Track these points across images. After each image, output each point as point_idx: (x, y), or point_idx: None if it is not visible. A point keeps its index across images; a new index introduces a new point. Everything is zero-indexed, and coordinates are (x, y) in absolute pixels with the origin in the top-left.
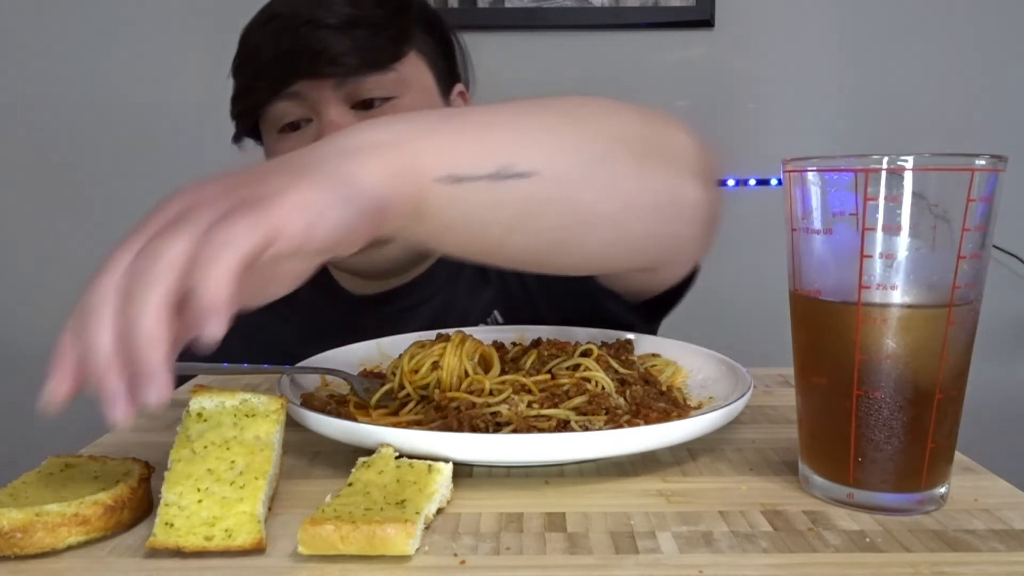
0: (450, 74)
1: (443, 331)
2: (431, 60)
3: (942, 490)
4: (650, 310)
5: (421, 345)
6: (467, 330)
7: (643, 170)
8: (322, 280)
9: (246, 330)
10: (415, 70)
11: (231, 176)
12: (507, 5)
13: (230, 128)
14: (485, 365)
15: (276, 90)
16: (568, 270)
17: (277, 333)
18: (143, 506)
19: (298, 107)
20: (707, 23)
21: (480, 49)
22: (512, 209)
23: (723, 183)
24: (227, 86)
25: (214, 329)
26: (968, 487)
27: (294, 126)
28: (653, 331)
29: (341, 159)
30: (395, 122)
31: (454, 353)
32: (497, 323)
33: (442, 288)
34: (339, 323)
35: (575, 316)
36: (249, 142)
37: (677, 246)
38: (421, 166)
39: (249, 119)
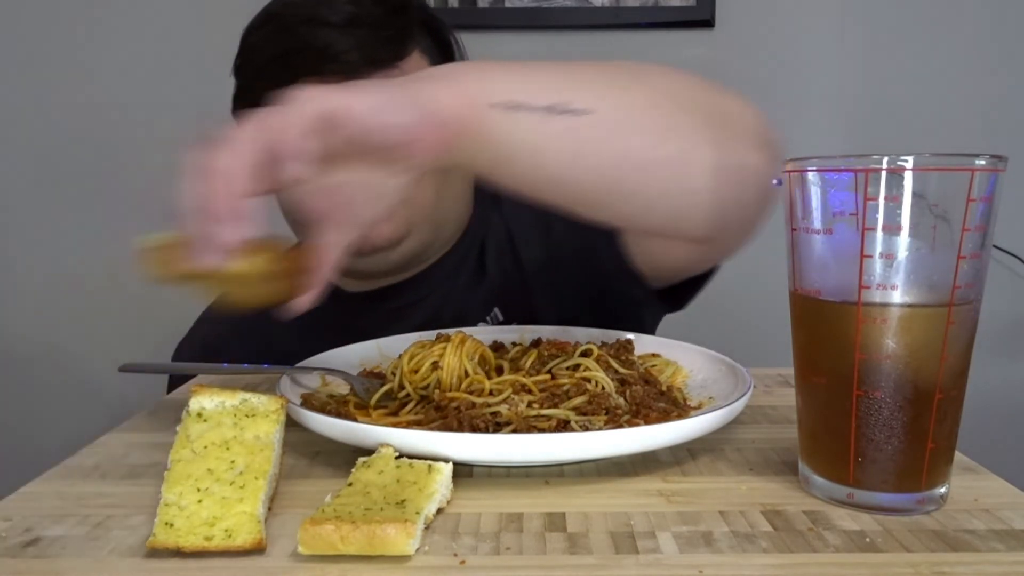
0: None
1: (443, 331)
2: (432, 60)
3: (942, 490)
4: (671, 298)
5: (421, 345)
6: (467, 330)
7: (701, 126)
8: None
9: (243, 331)
10: (417, 69)
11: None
12: (507, 5)
13: (227, 130)
14: (485, 366)
15: (278, 89)
16: (626, 220)
17: (273, 333)
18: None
19: None
20: (707, 23)
21: (480, 49)
22: (567, 144)
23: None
24: (224, 86)
25: (294, 171)
26: (968, 487)
27: None
28: (654, 327)
29: (409, 82)
30: (458, 65)
31: (454, 353)
32: (497, 320)
33: (439, 285)
34: (334, 321)
35: (577, 312)
36: None
37: (738, 213)
38: (480, 92)
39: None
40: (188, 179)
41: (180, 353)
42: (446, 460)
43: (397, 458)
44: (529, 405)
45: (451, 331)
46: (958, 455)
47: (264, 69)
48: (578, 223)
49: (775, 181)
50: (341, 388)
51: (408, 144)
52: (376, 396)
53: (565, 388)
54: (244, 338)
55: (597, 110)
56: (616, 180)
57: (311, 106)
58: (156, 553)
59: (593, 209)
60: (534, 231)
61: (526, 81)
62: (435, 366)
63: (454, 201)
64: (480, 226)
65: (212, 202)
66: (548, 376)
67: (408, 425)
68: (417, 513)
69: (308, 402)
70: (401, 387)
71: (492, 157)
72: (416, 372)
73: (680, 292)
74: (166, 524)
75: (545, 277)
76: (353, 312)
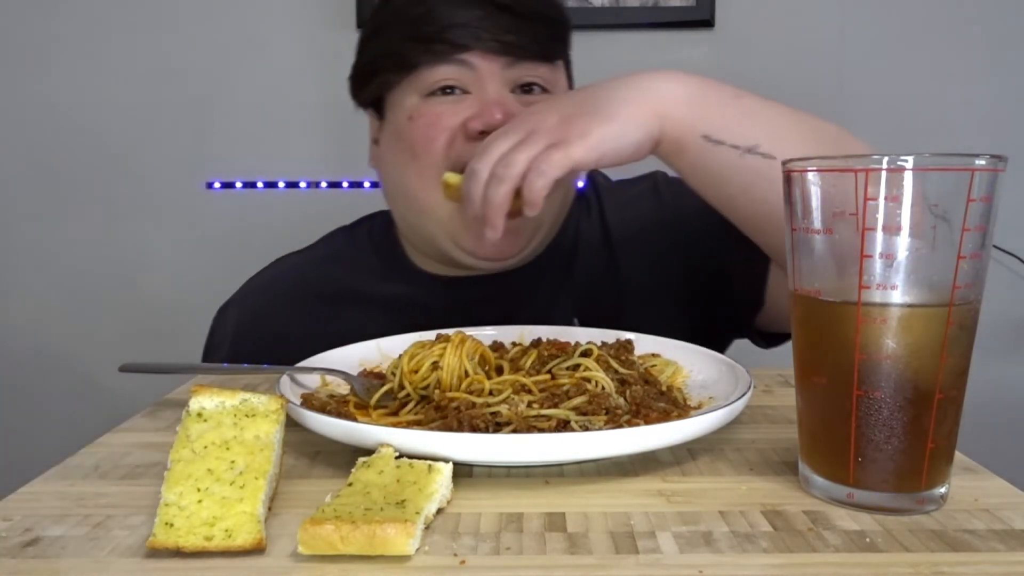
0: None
1: (443, 331)
2: (568, 71)
3: (942, 490)
4: (771, 336)
5: (421, 345)
6: (467, 330)
7: None
8: (389, 255)
9: (296, 302)
10: (562, 75)
11: (553, 111)
12: None
13: (228, 129)
14: (485, 366)
15: (450, 53)
16: (776, 251)
17: (332, 306)
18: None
19: (459, 73)
20: (707, 23)
21: None
22: (746, 176)
23: None
24: (223, 86)
25: (532, 211)
26: (968, 487)
27: (451, 90)
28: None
29: (622, 105)
30: (682, 83)
31: (454, 353)
32: None
33: (518, 288)
34: (411, 298)
35: (669, 328)
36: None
37: None
38: (699, 122)
39: (395, 77)
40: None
41: (224, 318)
42: (446, 460)
43: (397, 458)
44: (529, 405)
45: (451, 331)
46: (958, 455)
47: (443, 32)
48: (719, 246)
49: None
50: (341, 388)
51: (623, 159)
52: (376, 396)
53: (565, 388)
54: (296, 311)
55: (777, 156)
56: (774, 214)
57: (549, 174)
58: (156, 553)
59: (753, 231)
60: (644, 244)
61: (739, 121)
62: (435, 366)
63: (553, 205)
64: (571, 233)
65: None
66: (548, 376)
67: (408, 425)
68: (417, 513)
69: (308, 402)
70: (401, 387)
71: (686, 168)
72: (416, 372)
73: (782, 335)
74: (166, 524)
75: (645, 292)
76: (430, 293)
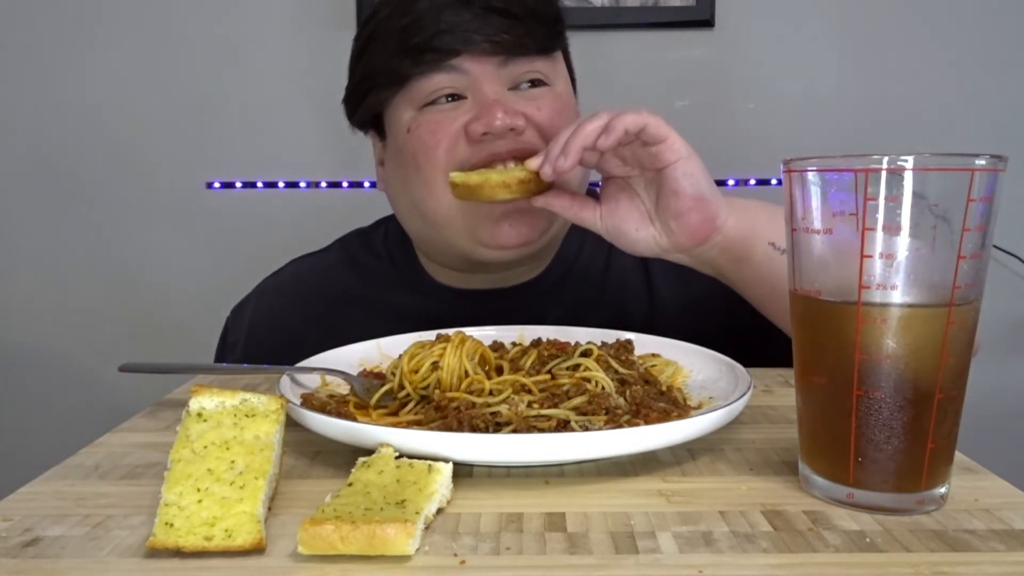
0: (572, 81)
1: (443, 331)
2: (567, 62)
3: (942, 490)
4: None
5: (421, 345)
6: (467, 330)
7: None
8: (404, 264)
9: (307, 304)
10: (561, 67)
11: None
12: None
13: (228, 129)
14: (485, 366)
15: (439, 61)
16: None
17: (343, 311)
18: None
19: (454, 81)
20: (707, 23)
21: None
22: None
23: None
24: (223, 86)
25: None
26: (968, 487)
27: (449, 97)
28: None
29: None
30: (753, 202)
31: (454, 353)
32: None
33: (536, 303)
34: (421, 307)
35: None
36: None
37: None
38: (767, 230)
39: (388, 93)
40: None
41: (239, 318)
42: (446, 460)
43: (397, 458)
44: (529, 405)
45: (450, 331)
46: (958, 455)
47: (428, 41)
48: None
49: (776, 181)
50: (341, 388)
51: (693, 216)
52: (376, 396)
53: (565, 388)
54: (312, 313)
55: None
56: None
57: (646, 118)
58: (156, 553)
59: (773, 319)
60: (683, 269)
61: (779, 222)
62: (435, 366)
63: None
64: (568, 253)
65: (568, 142)
66: (548, 376)
67: (408, 425)
68: (417, 513)
69: (308, 402)
70: (401, 387)
71: (738, 266)
72: (416, 372)
73: None
74: (166, 524)
75: (681, 317)
76: (445, 304)
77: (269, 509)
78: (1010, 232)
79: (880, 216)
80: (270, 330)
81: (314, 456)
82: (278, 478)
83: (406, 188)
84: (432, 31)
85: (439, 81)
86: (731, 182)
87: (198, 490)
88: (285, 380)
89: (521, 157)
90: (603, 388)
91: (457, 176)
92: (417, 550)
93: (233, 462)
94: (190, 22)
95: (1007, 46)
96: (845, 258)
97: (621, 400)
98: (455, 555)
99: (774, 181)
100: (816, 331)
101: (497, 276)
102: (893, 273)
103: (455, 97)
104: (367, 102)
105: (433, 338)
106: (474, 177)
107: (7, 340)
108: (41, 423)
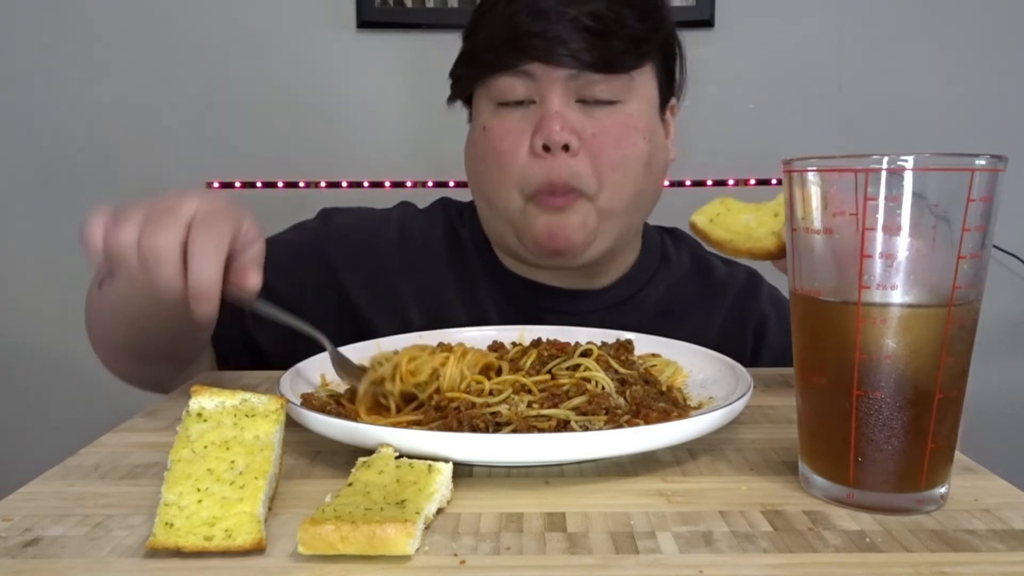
0: (669, 86)
1: (444, 341)
2: (658, 73)
3: (942, 490)
4: None
5: (421, 348)
6: (467, 330)
7: None
8: (488, 255)
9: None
10: (644, 79)
11: None
12: None
13: (228, 129)
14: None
15: (506, 65)
16: None
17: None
18: None
19: (524, 86)
20: (707, 23)
21: None
22: None
23: None
24: (223, 86)
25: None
26: (968, 487)
27: (517, 103)
28: None
29: None
30: None
31: (455, 365)
32: None
33: (586, 307)
34: (493, 285)
35: None
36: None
37: None
38: None
39: (469, 84)
40: None
41: (329, 218)
42: (446, 460)
43: (397, 458)
44: (529, 405)
45: (453, 341)
46: (958, 455)
47: (499, 43)
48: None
49: (776, 181)
50: (341, 388)
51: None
52: (363, 387)
53: (565, 388)
54: (395, 252)
55: None
56: None
57: None
58: (156, 553)
59: None
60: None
61: None
62: (435, 374)
63: (632, 237)
64: (641, 276)
65: None
66: (548, 376)
67: (408, 425)
68: (417, 513)
69: (308, 402)
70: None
71: None
72: (414, 375)
73: None
74: (166, 524)
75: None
76: (506, 285)
77: (269, 509)
78: (1010, 232)
79: (880, 216)
80: (347, 238)
81: (314, 456)
82: (278, 478)
83: (479, 174)
84: (523, 30)
85: (510, 83)
86: (731, 182)
87: (198, 490)
88: (285, 380)
89: (566, 193)
90: (603, 388)
91: (699, 220)
92: (417, 550)
93: (233, 462)
94: (190, 23)
95: (1007, 46)
96: (845, 258)
97: (621, 400)
98: (455, 555)
99: (774, 181)
100: (816, 331)
101: (554, 274)
102: (893, 273)
103: (526, 101)
104: (460, 83)
105: (435, 344)
106: (719, 232)
107: (7, 340)
108: (41, 423)
